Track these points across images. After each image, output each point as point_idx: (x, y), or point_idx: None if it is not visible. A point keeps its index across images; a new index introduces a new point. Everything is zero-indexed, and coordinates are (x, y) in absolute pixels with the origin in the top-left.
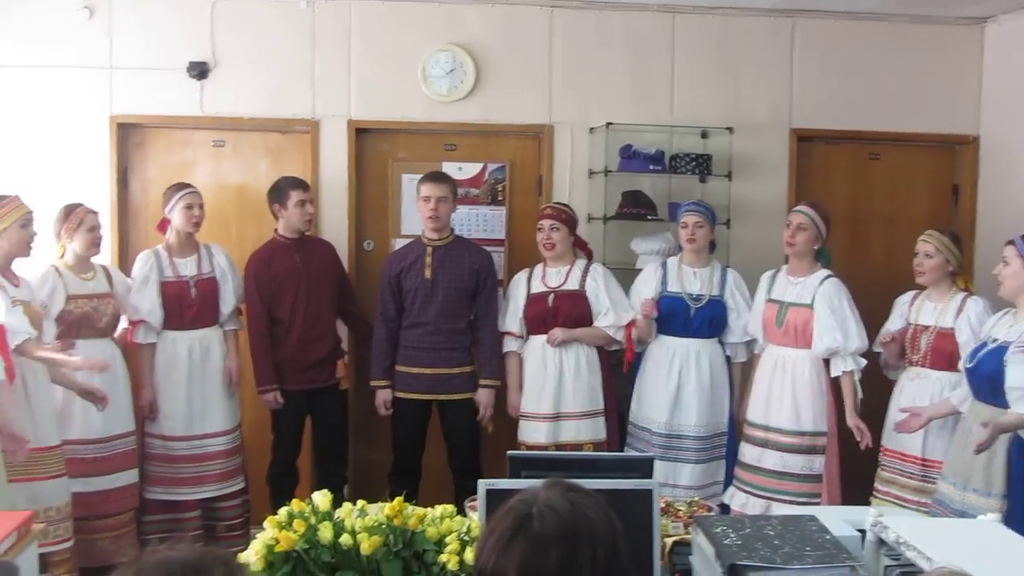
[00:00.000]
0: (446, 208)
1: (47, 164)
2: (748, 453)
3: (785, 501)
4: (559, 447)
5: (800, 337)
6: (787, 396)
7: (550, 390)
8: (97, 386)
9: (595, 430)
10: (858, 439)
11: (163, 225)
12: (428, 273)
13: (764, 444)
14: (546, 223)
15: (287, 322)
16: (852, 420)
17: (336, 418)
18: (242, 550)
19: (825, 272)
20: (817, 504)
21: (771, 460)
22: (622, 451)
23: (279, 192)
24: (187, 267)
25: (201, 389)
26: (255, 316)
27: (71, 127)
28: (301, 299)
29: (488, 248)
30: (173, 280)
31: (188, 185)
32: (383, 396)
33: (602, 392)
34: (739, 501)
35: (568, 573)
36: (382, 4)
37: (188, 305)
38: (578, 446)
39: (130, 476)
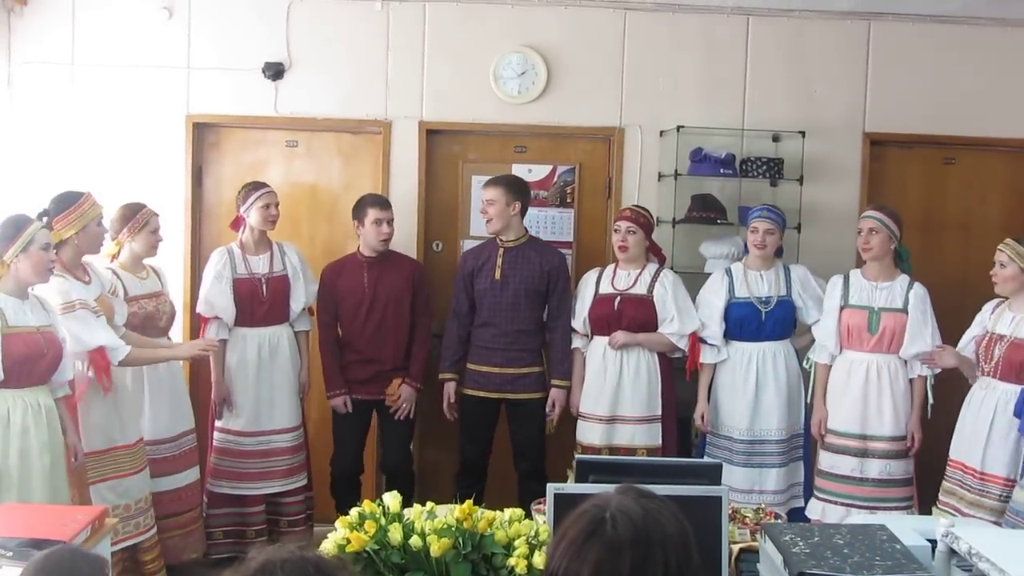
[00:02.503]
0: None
1: (123, 162)
2: (843, 465)
3: (890, 508)
4: (612, 450)
5: (894, 343)
6: (887, 403)
7: (608, 392)
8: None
9: (651, 436)
10: (908, 444)
11: (237, 223)
12: (498, 274)
13: (863, 454)
14: (623, 224)
15: (347, 336)
16: (912, 424)
17: (398, 430)
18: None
19: (908, 276)
20: (912, 509)
21: (875, 469)
22: (683, 457)
23: (359, 208)
24: (260, 265)
25: (269, 386)
26: (323, 324)
27: (148, 126)
28: (360, 318)
29: None
30: (245, 277)
31: (265, 184)
32: (449, 389)
33: (660, 398)
34: (837, 515)
35: (641, 574)
36: (455, 6)
37: (259, 302)
38: (632, 450)
39: (195, 473)
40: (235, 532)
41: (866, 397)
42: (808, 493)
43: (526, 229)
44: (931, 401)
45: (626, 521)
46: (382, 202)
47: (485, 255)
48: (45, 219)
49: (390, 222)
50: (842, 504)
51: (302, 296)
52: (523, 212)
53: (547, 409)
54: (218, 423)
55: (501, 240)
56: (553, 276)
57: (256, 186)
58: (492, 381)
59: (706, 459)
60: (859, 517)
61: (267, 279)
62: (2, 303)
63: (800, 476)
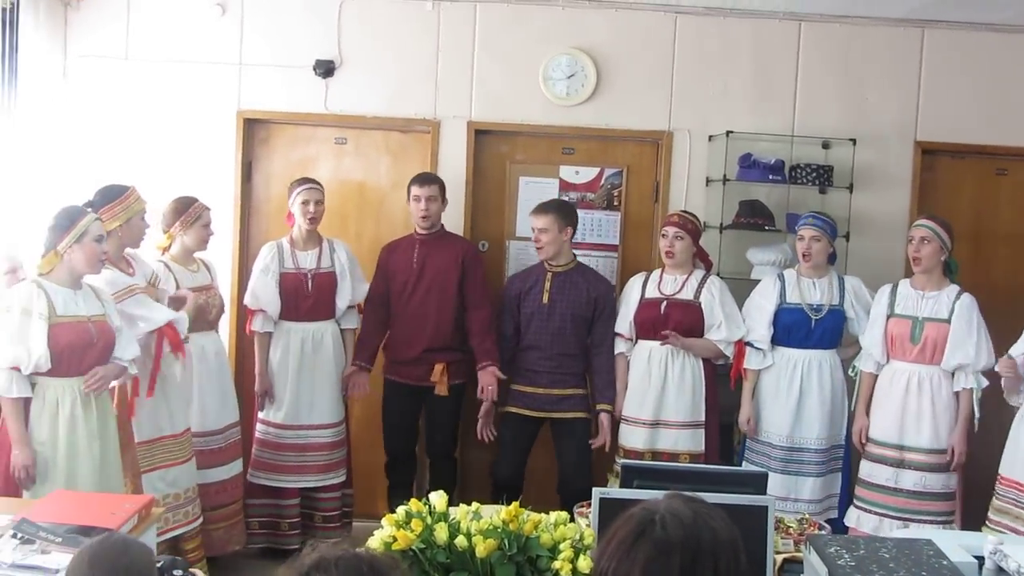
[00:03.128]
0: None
1: (175, 156)
2: (879, 474)
3: (925, 522)
4: (655, 455)
5: (938, 354)
6: (926, 415)
7: (652, 397)
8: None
9: (694, 441)
10: (949, 458)
11: (290, 217)
12: (546, 298)
13: (899, 464)
14: (670, 230)
15: (395, 315)
16: (955, 437)
17: (440, 416)
18: (337, 542)
19: (957, 287)
20: (952, 524)
21: (910, 480)
22: (728, 464)
23: (409, 188)
24: (307, 260)
25: (310, 380)
26: (370, 296)
27: (199, 121)
28: (406, 296)
29: (602, 254)
30: (292, 272)
31: (308, 180)
32: (486, 408)
33: (704, 404)
34: (871, 524)
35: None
36: (506, 7)
37: (304, 297)
38: (675, 456)
39: (239, 465)
40: (270, 524)
41: (905, 407)
42: (845, 505)
43: (574, 254)
44: (978, 415)
45: (676, 523)
46: (422, 179)
47: (533, 279)
48: (89, 210)
49: (429, 199)
50: (875, 513)
51: (348, 293)
52: (572, 236)
53: (598, 438)
54: (260, 414)
55: (549, 264)
56: (600, 303)
57: (300, 182)
58: (536, 400)
59: (751, 468)
60: (896, 529)
61: (313, 275)
62: (53, 293)
63: (837, 487)
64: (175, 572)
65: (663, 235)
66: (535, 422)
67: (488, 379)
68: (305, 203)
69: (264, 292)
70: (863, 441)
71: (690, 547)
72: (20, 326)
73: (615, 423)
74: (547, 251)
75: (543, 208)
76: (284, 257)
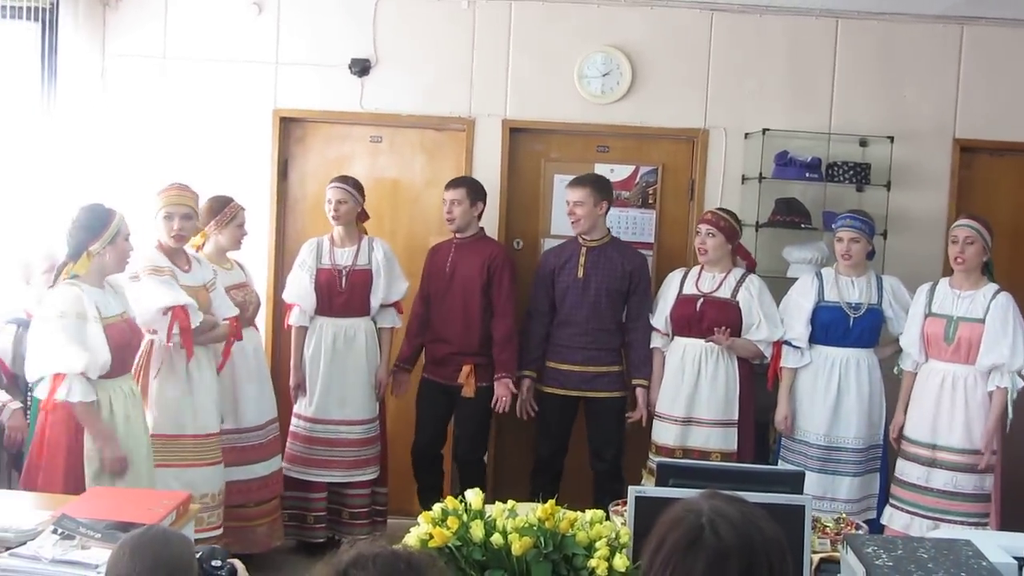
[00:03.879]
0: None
1: (211, 154)
2: (911, 472)
3: (955, 522)
4: (686, 452)
5: (972, 353)
6: (959, 414)
7: (685, 393)
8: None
9: (725, 440)
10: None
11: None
12: (581, 273)
13: (931, 463)
14: (703, 227)
15: (431, 316)
16: (986, 439)
17: (469, 420)
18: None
19: (995, 286)
20: (986, 524)
21: (941, 480)
22: (763, 463)
23: None
24: (344, 257)
25: (341, 376)
26: (416, 299)
27: (236, 119)
28: (438, 298)
29: None
30: (327, 268)
31: (338, 178)
32: (525, 386)
33: (738, 403)
34: (901, 522)
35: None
36: (541, 5)
37: (337, 293)
38: (706, 454)
39: (279, 461)
40: (297, 517)
41: (938, 406)
42: (883, 505)
43: (608, 229)
44: (1011, 416)
45: (727, 527)
46: (451, 182)
47: (567, 254)
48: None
49: (453, 202)
50: (907, 512)
51: (382, 291)
52: (607, 211)
53: (635, 412)
54: (295, 408)
55: (584, 239)
56: (635, 276)
57: (333, 179)
58: (571, 379)
59: (787, 467)
60: (927, 530)
61: (348, 271)
62: (94, 297)
63: (875, 487)
64: (213, 562)
65: (696, 232)
66: (572, 401)
67: (502, 391)
68: (329, 201)
69: (299, 287)
70: (896, 437)
71: (745, 550)
72: (79, 331)
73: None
74: (582, 225)
75: (579, 181)
76: (322, 253)
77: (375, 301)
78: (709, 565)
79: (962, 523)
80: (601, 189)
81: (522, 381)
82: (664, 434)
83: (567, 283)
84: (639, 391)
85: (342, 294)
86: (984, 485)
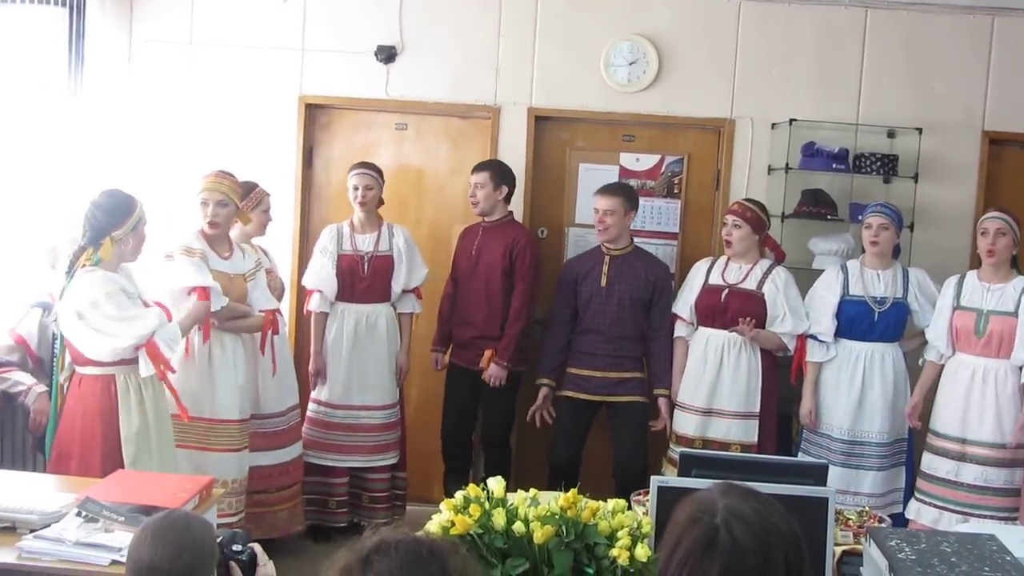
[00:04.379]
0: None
1: (237, 140)
2: (940, 467)
3: (985, 516)
4: (706, 443)
5: (1004, 347)
6: (990, 408)
7: (706, 384)
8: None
9: (746, 432)
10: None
11: None
12: (604, 282)
13: (961, 457)
14: (729, 219)
15: (457, 299)
16: (1017, 436)
17: (495, 405)
18: (385, 523)
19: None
20: (1015, 520)
21: (971, 474)
22: (786, 455)
23: None
24: (365, 243)
25: (362, 361)
26: (447, 279)
27: (262, 106)
28: (462, 281)
29: (661, 241)
30: (349, 254)
31: (361, 164)
32: (543, 394)
33: (760, 396)
34: (930, 517)
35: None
36: None
37: (359, 279)
38: (726, 445)
39: (300, 447)
40: (318, 502)
41: (968, 400)
42: (908, 500)
43: (632, 238)
44: None
45: (742, 526)
46: (477, 166)
47: (590, 263)
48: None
49: (476, 185)
50: (935, 506)
51: (403, 277)
52: (632, 220)
53: (658, 422)
54: (312, 393)
55: (607, 248)
56: (658, 286)
57: (355, 166)
58: (593, 384)
59: (810, 459)
60: (956, 524)
61: (370, 257)
62: (119, 283)
63: (901, 482)
64: (234, 547)
65: (723, 223)
66: (591, 406)
67: (495, 371)
68: (355, 188)
69: (321, 272)
70: (913, 421)
71: (761, 550)
72: (132, 305)
73: (672, 407)
74: (610, 233)
75: (611, 190)
76: (343, 239)
77: (396, 287)
78: (725, 567)
79: (992, 517)
80: (631, 198)
81: (540, 390)
82: (685, 424)
83: (591, 291)
84: (661, 400)
85: (364, 280)
86: (1014, 480)
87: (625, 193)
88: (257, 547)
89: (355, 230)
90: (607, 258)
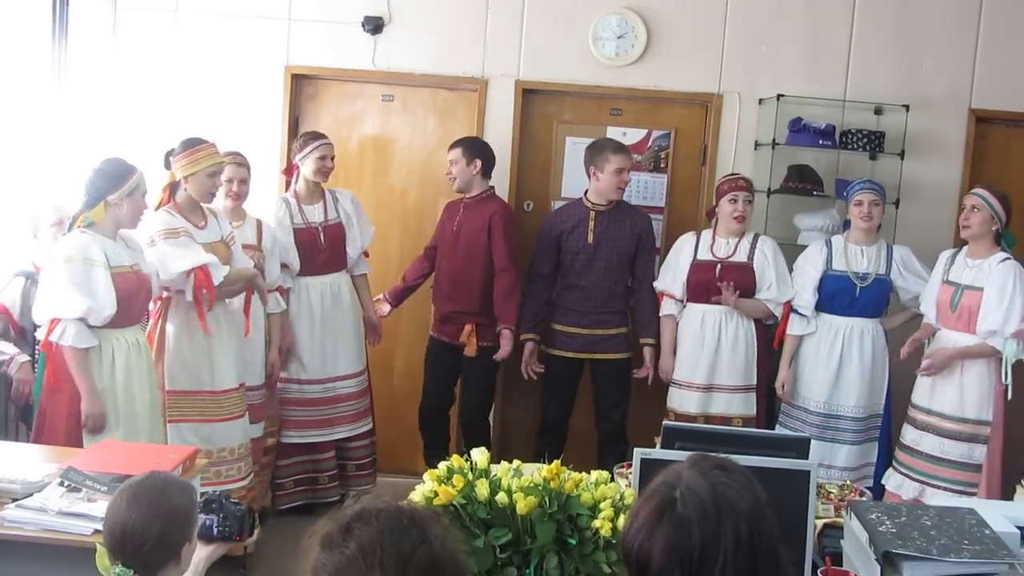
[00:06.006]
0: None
1: (223, 110)
2: (907, 435)
3: (939, 487)
4: (708, 419)
5: (972, 321)
6: (953, 382)
7: (706, 360)
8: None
9: (747, 405)
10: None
11: (290, 170)
12: (591, 238)
13: (925, 428)
14: (742, 195)
15: (437, 272)
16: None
17: (473, 380)
18: (370, 490)
19: (1003, 255)
20: (974, 495)
21: (929, 444)
22: (769, 428)
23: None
24: (315, 214)
25: (332, 332)
26: (423, 253)
27: (248, 75)
28: (444, 254)
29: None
30: (303, 227)
31: (323, 136)
32: (529, 349)
33: (756, 367)
34: (895, 482)
35: (712, 550)
36: None
37: (319, 251)
38: (727, 420)
39: (255, 429)
40: (307, 480)
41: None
42: (881, 472)
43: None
44: (1006, 381)
45: (694, 500)
46: (452, 144)
47: (575, 218)
48: (170, 158)
49: (452, 163)
50: (899, 472)
51: (357, 241)
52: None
53: (641, 370)
54: (282, 373)
55: (592, 203)
56: (643, 238)
57: (315, 136)
58: (578, 342)
59: (790, 432)
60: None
61: (324, 228)
62: (104, 245)
63: (873, 456)
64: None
65: (732, 200)
66: (578, 363)
67: (504, 342)
68: (323, 158)
69: (285, 248)
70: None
71: (709, 520)
72: (84, 276)
73: (656, 356)
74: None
75: (454, 143)
76: (293, 212)
77: (352, 252)
78: (671, 535)
79: (947, 489)
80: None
81: (525, 345)
82: (686, 402)
83: (576, 247)
84: (646, 350)
85: (323, 251)
86: (972, 455)
87: (464, 144)
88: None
89: (302, 201)
90: (593, 214)
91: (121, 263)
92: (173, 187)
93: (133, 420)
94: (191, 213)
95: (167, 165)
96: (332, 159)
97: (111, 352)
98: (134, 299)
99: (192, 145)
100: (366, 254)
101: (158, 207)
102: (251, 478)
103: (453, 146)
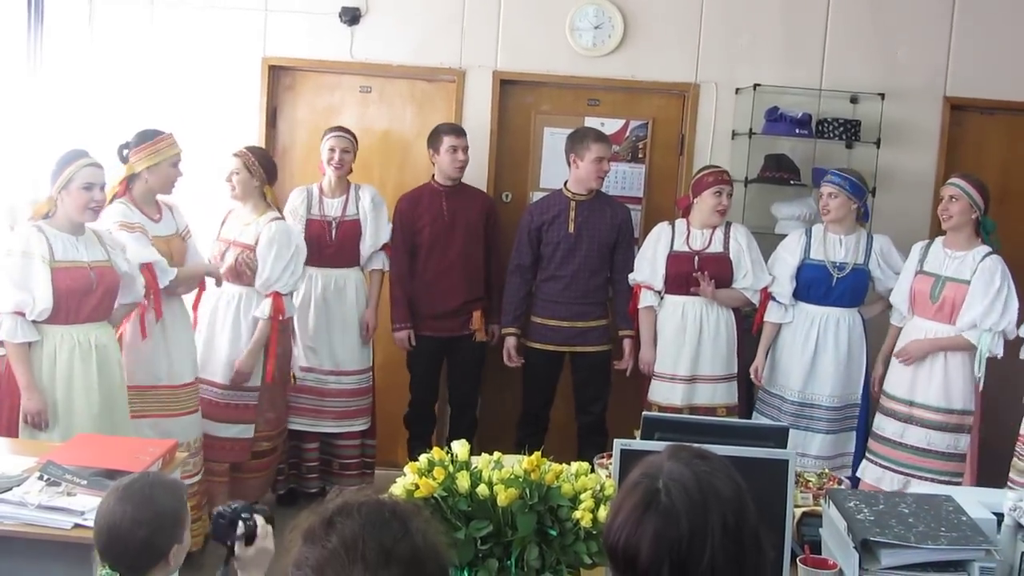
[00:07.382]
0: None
1: (200, 102)
2: (887, 427)
3: (926, 479)
4: (693, 410)
5: (955, 313)
6: (938, 373)
7: (688, 352)
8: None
9: (729, 394)
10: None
11: (323, 164)
12: (571, 228)
13: (908, 420)
14: (725, 188)
15: (421, 268)
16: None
17: (469, 367)
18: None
19: (987, 248)
20: (959, 484)
21: (915, 436)
22: (748, 417)
23: (434, 137)
24: (333, 208)
25: (329, 325)
26: (396, 254)
27: (225, 67)
28: (438, 247)
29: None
30: (317, 219)
31: (337, 128)
32: (510, 343)
33: (736, 356)
34: (873, 475)
35: (700, 539)
36: None
37: (326, 244)
38: (711, 410)
39: (244, 430)
40: (295, 465)
41: (918, 363)
42: (858, 464)
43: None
44: (979, 374)
45: (679, 490)
46: (457, 130)
47: (556, 209)
48: (125, 152)
49: (465, 149)
50: (880, 465)
51: (370, 239)
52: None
53: (621, 361)
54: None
55: (572, 192)
56: (623, 229)
57: (330, 129)
58: (559, 335)
59: (763, 420)
60: (896, 484)
61: (337, 222)
62: (52, 238)
63: (851, 446)
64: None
65: (717, 193)
66: (558, 356)
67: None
68: (332, 150)
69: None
70: (876, 390)
71: (697, 513)
72: (23, 270)
73: (636, 347)
74: (601, 183)
75: (604, 136)
76: (312, 203)
77: (365, 250)
78: (659, 528)
79: (933, 480)
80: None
81: (506, 339)
82: (670, 394)
83: (557, 238)
84: (626, 342)
85: (330, 245)
86: (958, 445)
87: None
88: (260, 520)
89: (324, 194)
90: (573, 203)
91: (74, 258)
92: (130, 179)
93: (69, 418)
94: (147, 206)
95: (122, 158)
96: (343, 152)
97: (53, 350)
98: (85, 295)
99: (152, 136)
100: (388, 251)
101: (112, 200)
102: (200, 475)
103: (465, 134)
